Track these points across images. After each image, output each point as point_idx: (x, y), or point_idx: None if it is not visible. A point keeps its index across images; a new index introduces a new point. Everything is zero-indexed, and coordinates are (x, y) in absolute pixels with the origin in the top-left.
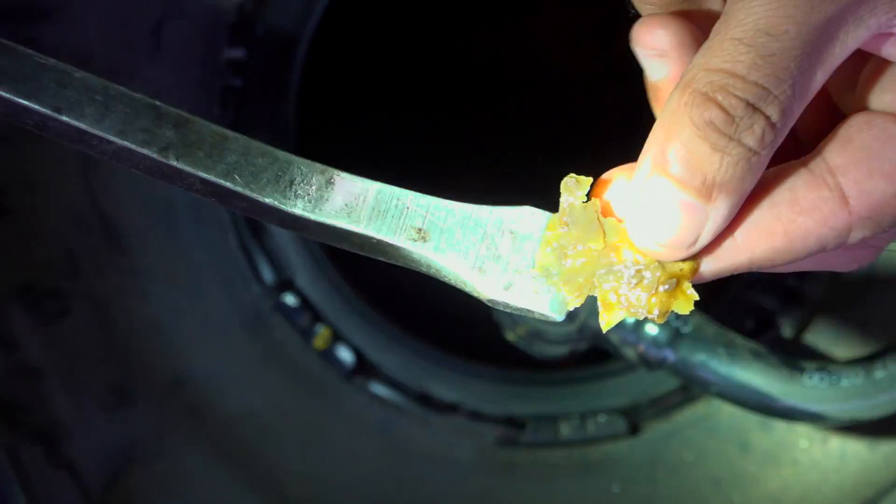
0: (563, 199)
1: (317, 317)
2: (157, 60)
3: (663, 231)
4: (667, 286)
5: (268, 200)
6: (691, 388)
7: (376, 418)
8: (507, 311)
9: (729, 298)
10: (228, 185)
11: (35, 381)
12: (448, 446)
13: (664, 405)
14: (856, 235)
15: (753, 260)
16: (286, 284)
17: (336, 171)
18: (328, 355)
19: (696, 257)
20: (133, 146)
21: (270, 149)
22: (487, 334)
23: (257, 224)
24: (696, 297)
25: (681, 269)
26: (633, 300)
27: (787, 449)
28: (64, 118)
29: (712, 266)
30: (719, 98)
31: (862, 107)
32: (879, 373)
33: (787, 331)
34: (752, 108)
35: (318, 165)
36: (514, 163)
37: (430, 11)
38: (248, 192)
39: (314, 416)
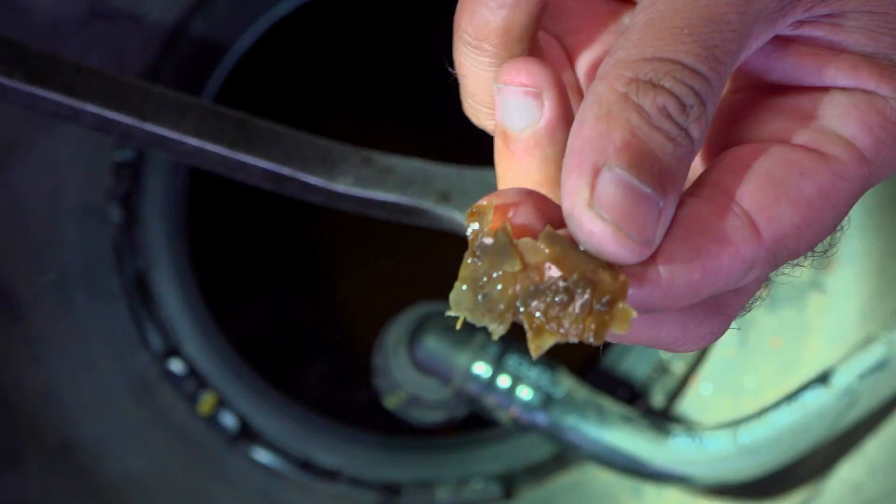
0: (470, 230)
1: (202, 383)
2: (52, 139)
3: (630, 224)
4: (600, 304)
5: (316, 181)
6: (564, 451)
7: (258, 484)
8: None
9: (603, 368)
10: (285, 171)
11: None
12: None
13: (539, 471)
14: (753, 273)
15: (669, 295)
16: (173, 351)
17: (369, 152)
18: (213, 421)
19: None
20: (206, 145)
21: (314, 138)
22: (369, 401)
23: (147, 293)
24: (634, 315)
25: (612, 287)
26: (565, 322)
27: None
28: (148, 126)
29: (639, 294)
30: (667, 85)
31: (738, 141)
32: (744, 437)
33: (658, 400)
34: (700, 98)
35: (352, 149)
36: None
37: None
38: (299, 176)
39: (198, 480)
